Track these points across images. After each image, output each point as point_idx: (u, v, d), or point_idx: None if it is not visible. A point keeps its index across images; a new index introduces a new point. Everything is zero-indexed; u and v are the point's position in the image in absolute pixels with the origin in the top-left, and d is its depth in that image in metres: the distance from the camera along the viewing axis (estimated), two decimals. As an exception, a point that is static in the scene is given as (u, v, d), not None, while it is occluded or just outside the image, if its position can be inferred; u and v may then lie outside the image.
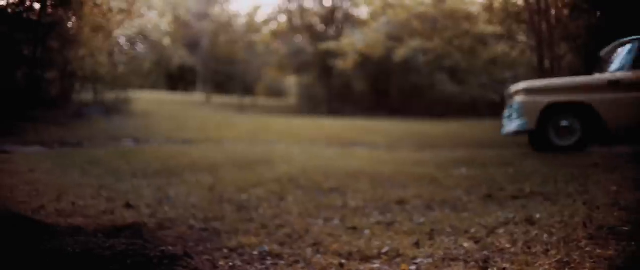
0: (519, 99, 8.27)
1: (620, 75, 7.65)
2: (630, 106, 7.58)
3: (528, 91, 8.19)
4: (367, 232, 3.37)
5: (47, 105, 13.45)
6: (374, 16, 12.20)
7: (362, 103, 22.64)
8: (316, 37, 19.12)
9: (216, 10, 23.18)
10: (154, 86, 24.25)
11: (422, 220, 3.79)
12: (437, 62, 15.04)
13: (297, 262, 2.75)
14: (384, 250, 2.93)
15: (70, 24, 12.04)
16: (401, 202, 4.47)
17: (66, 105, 14.03)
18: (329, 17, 19.03)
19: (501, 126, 8.71)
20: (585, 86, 7.97)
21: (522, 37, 12.15)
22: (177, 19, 22.28)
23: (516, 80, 16.68)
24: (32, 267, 2.22)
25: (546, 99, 7.97)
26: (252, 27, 23.50)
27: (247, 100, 22.43)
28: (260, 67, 23.86)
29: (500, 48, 12.88)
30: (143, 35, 18.96)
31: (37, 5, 11.81)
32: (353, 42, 12.67)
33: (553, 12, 11.25)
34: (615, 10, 10.25)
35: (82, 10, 11.31)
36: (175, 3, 21.65)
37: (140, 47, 19.76)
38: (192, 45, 25.14)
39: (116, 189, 5.22)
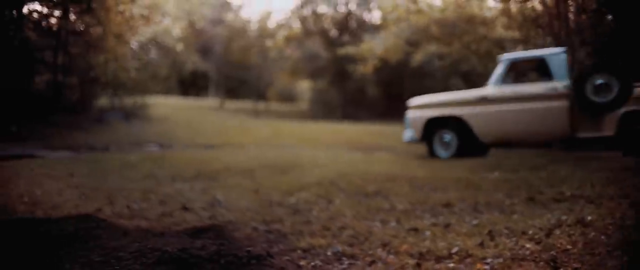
0: (408, 113, 9.36)
1: (487, 90, 8.54)
2: (498, 120, 8.46)
3: (416, 106, 9.28)
4: (428, 233, 3.46)
5: (69, 110, 13.64)
6: (395, 21, 12.30)
7: (376, 108, 22.77)
8: (330, 42, 19.25)
9: (230, 16, 23.35)
10: (167, 91, 24.43)
11: (475, 222, 3.87)
12: (453, 66, 15.12)
13: (374, 262, 2.84)
14: (453, 250, 3.01)
15: (91, 31, 12.26)
16: (448, 205, 4.55)
17: (87, 110, 14.21)
18: (344, 22, 19.15)
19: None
20: (459, 101, 8.85)
21: (540, 42, 12.21)
22: (191, 25, 22.49)
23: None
24: (138, 266, 2.31)
25: (427, 114, 9.00)
26: (264, 32, 23.67)
27: (261, 105, 22.57)
28: (273, 72, 24.03)
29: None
30: (155, 41, 19.16)
31: (57, 13, 12.05)
32: (372, 47, 12.77)
33: (572, 17, 11.29)
34: (632, 15, 10.35)
35: (107, 18, 11.49)
36: (190, 9, 21.83)
37: (153, 53, 19.97)
38: (205, 50, 25.36)
39: (161, 193, 5.32)
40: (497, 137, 8.67)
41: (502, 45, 13.76)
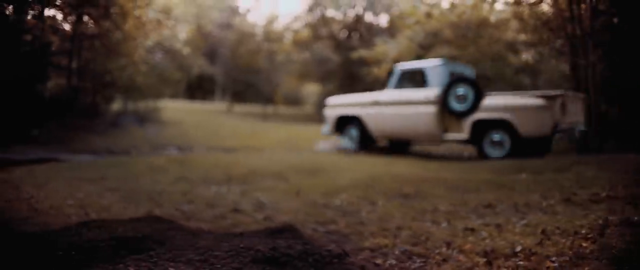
0: (325, 111, 11.11)
1: (379, 95, 10.12)
2: (384, 119, 10.01)
3: (330, 105, 10.98)
4: (484, 233, 3.55)
5: (84, 114, 13.74)
6: (412, 25, 12.40)
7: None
8: (339, 45, 19.36)
9: (237, 20, 23.46)
10: (174, 95, 24.52)
11: (523, 222, 3.96)
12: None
13: (445, 261, 2.93)
14: (517, 249, 3.10)
15: (108, 35, 12.35)
16: (489, 206, 4.64)
17: (101, 114, 14.31)
18: (353, 26, 19.27)
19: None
20: (358, 103, 10.44)
21: (554, 45, 12.32)
22: (199, 29, 22.60)
23: (537, 87, 16.92)
24: (237, 265, 2.39)
25: (337, 112, 10.71)
26: (271, 35, 23.79)
27: (269, 108, 22.69)
28: (280, 75, 24.13)
29: (531, 55, 13.09)
30: (161, 44, 19.27)
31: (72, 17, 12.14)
32: (386, 50, 12.87)
33: (586, 21, 11.36)
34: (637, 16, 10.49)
35: (124, 22, 11.60)
36: (199, 13, 21.94)
37: (159, 56, 20.07)
38: (211, 54, 25.47)
39: (201, 195, 5.40)
40: (384, 133, 10.27)
41: (514, 48, 13.89)
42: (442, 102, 9.15)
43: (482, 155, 8.98)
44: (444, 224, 3.86)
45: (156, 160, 8.56)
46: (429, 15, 12.01)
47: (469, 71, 10.40)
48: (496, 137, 8.88)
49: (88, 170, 7.46)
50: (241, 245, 2.57)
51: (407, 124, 9.71)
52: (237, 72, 23.39)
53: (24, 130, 10.84)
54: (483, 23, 12.70)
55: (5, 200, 4.97)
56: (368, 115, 10.19)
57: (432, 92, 9.38)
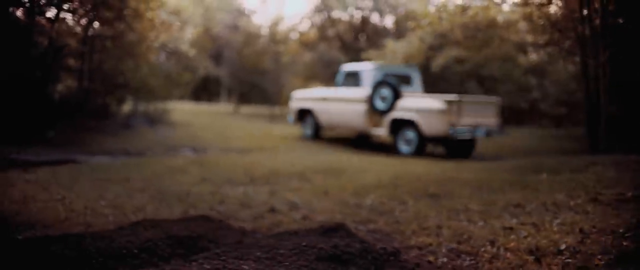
0: (290, 102, 13.22)
1: (327, 92, 12.13)
2: (328, 113, 11.84)
3: (294, 98, 12.96)
4: (523, 232, 3.61)
5: (95, 115, 13.79)
6: (425, 27, 12.47)
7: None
8: (346, 47, 19.43)
9: (243, 20, 23.52)
10: (180, 97, 24.57)
11: (557, 221, 4.01)
12: (472, 71, 15.29)
13: (494, 258, 2.99)
14: (561, 247, 3.16)
15: (121, 37, 12.41)
16: (518, 206, 4.70)
17: (113, 115, 14.36)
18: (360, 27, 19.34)
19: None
20: (312, 98, 12.33)
21: (563, 46, 12.37)
22: (206, 31, 22.65)
23: (544, 88, 16.98)
24: (303, 262, 2.45)
25: (298, 105, 12.73)
26: (276, 36, 23.84)
27: (276, 109, 22.70)
28: (285, 76, 24.17)
29: (540, 56, 13.15)
30: (167, 46, 19.33)
31: (84, 21, 12.19)
32: (395, 50, 12.94)
33: (597, 21, 11.40)
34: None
35: (138, 24, 11.66)
36: (206, 15, 21.99)
37: (162, 58, 20.13)
38: (217, 56, 25.52)
39: (230, 196, 5.46)
40: (330, 125, 12.06)
41: (523, 49, 13.95)
42: (370, 101, 10.53)
43: (396, 150, 10.29)
44: (481, 223, 3.92)
45: (174, 162, 8.61)
46: (442, 17, 12.10)
47: (413, 72, 11.72)
48: (408, 134, 10.08)
49: (109, 172, 7.52)
50: (303, 244, 2.63)
51: (345, 118, 11.40)
52: (243, 73, 23.41)
53: (39, 132, 10.88)
54: (492, 24, 12.76)
55: (41, 201, 5.02)
56: (319, 108, 12.04)
57: (364, 92, 10.85)
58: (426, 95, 11.22)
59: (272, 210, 4.44)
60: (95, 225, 3.93)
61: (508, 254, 3.03)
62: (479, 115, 10.06)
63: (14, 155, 9.03)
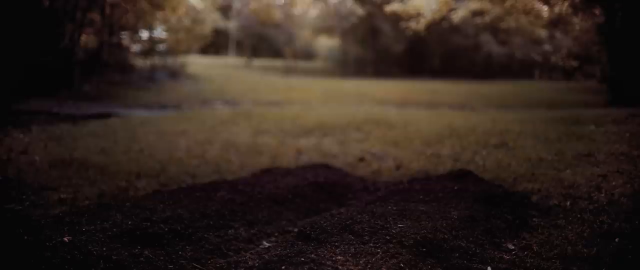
0: None
1: None
2: None
3: None
4: (619, 179, 3.82)
5: (122, 70, 13.80)
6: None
7: (401, 65, 23.02)
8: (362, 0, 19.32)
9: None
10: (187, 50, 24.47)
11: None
12: (490, 23, 15.30)
13: (610, 203, 3.21)
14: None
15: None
16: (589, 155, 4.89)
17: (136, 70, 14.37)
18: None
19: None
20: None
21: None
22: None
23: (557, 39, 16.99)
24: (463, 204, 2.64)
25: None
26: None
27: (290, 62, 22.68)
28: (296, 29, 24.05)
29: (563, 7, 13.19)
30: None
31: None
32: (422, 4, 12.91)
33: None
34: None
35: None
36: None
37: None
38: (225, 9, 25.25)
39: (302, 146, 5.64)
40: None
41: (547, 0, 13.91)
42: None
43: None
44: (568, 171, 4.11)
45: (220, 114, 8.74)
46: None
47: None
48: None
49: (161, 124, 7.63)
50: (456, 187, 2.82)
51: None
52: (253, 27, 23.26)
53: (77, 86, 10.97)
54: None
55: (120, 153, 5.15)
56: None
57: None
58: None
59: (362, 159, 4.63)
60: (202, 176, 4.10)
61: (622, 199, 3.24)
62: None
63: (56, 109, 9.13)
